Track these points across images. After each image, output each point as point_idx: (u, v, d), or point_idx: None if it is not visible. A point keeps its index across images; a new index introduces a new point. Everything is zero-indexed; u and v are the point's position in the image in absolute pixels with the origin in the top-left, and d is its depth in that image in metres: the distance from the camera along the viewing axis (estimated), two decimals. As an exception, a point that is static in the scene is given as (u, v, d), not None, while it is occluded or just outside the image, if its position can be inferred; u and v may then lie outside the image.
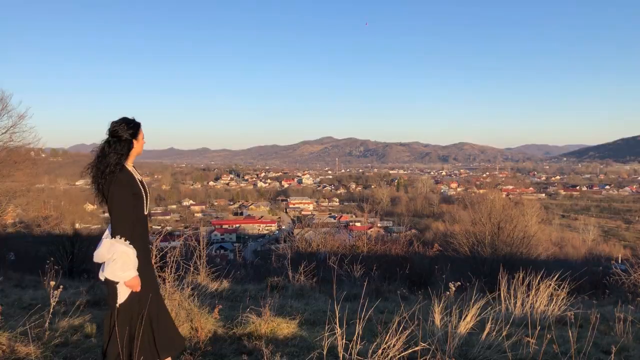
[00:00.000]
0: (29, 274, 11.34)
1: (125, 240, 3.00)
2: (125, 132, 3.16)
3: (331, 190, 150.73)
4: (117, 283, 3.02)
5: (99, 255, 3.08)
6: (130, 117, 3.24)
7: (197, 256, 7.24)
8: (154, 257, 4.86)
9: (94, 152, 3.23)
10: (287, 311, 5.60)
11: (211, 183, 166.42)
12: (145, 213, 3.26)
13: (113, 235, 3.01)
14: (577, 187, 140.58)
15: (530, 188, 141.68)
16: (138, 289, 3.07)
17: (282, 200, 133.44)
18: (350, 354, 3.53)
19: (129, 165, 3.24)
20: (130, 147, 3.19)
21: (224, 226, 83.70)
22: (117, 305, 3.04)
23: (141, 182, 3.29)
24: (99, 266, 3.16)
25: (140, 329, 3.08)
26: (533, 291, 5.92)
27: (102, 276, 3.10)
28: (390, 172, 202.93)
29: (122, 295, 3.05)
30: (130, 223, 3.06)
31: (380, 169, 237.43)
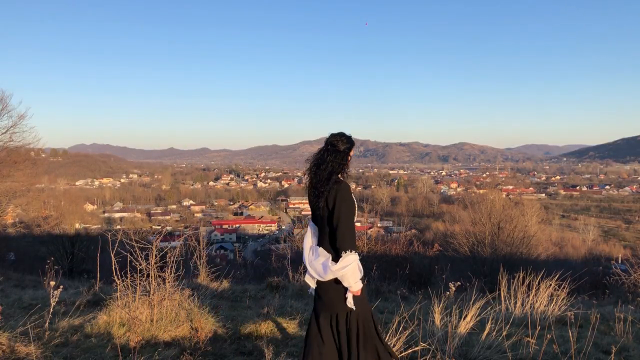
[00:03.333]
0: (29, 274, 11.36)
1: (353, 251, 3.13)
2: (343, 144, 3.32)
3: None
4: (346, 291, 3.16)
5: (320, 268, 3.19)
6: (347, 133, 3.43)
7: (197, 256, 7.25)
8: (153, 257, 4.87)
9: (308, 160, 3.42)
10: (287, 311, 5.60)
11: (211, 183, 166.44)
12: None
13: (343, 248, 3.10)
14: (577, 187, 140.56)
15: (530, 188, 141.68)
16: (359, 293, 3.22)
17: (282, 200, 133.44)
18: (350, 354, 3.53)
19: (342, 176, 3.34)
20: (346, 159, 3.34)
21: (224, 226, 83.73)
22: (352, 309, 3.18)
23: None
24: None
25: (375, 328, 3.28)
26: (533, 291, 5.92)
27: (311, 282, 3.32)
28: (390, 172, 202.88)
29: (350, 303, 3.19)
30: (355, 234, 3.20)
31: (380, 169, 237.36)
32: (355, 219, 3.29)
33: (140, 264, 4.75)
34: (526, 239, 22.51)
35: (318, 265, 3.20)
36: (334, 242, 3.15)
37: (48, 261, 7.59)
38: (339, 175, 3.27)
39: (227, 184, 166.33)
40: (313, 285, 3.34)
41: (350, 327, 3.19)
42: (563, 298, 5.90)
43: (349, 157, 3.37)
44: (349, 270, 3.09)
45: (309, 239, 3.36)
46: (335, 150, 3.30)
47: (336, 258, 3.13)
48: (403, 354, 3.81)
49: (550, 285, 6.00)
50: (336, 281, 3.19)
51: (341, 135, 3.37)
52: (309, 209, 3.51)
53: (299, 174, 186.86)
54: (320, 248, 3.24)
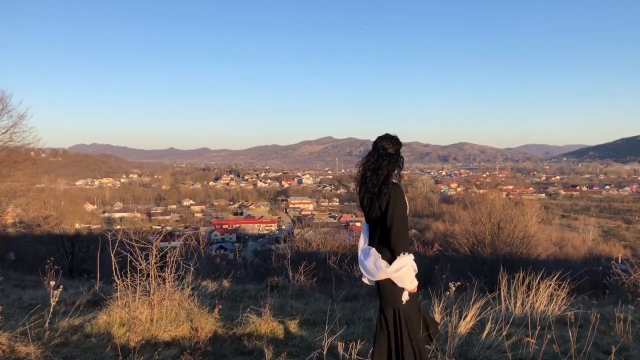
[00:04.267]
0: (29, 274, 11.36)
1: (407, 253, 3.24)
2: (392, 147, 3.39)
3: (331, 190, 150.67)
4: (402, 289, 3.29)
5: (375, 270, 3.30)
6: (392, 134, 3.47)
7: (197, 256, 7.25)
8: (153, 257, 4.87)
9: (358, 165, 3.50)
10: (287, 311, 5.60)
11: (211, 183, 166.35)
12: None
13: (397, 250, 3.21)
14: (577, 187, 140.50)
15: (530, 188, 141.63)
16: (415, 291, 3.39)
17: (282, 200, 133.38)
18: (350, 354, 3.54)
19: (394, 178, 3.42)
20: (398, 162, 3.39)
21: (224, 226, 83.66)
22: (403, 302, 3.32)
23: None
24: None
25: (420, 320, 3.42)
26: (533, 291, 5.91)
27: (367, 281, 3.42)
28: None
29: (405, 297, 3.33)
30: (408, 235, 3.32)
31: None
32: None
33: (140, 264, 4.75)
34: (526, 239, 22.50)
35: (369, 265, 3.31)
36: (388, 243, 3.25)
37: (48, 261, 7.60)
38: (393, 178, 3.35)
39: (227, 184, 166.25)
40: (369, 283, 3.47)
41: (401, 321, 3.29)
42: (563, 298, 5.89)
43: (402, 159, 3.44)
44: (404, 272, 3.21)
45: (362, 240, 3.49)
46: (388, 154, 3.37)
47: (390, 259, 3.23)
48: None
49: (550, 285, 6.00)
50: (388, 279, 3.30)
51: (389, 137, 3.44)
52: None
53: (299, 174, 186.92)
54: (372, 249, 3.35)
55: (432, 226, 63.34)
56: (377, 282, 3.37)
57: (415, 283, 3.29)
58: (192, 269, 5.33)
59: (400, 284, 3.25)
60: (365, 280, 3.47)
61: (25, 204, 24.89)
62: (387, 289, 3.31)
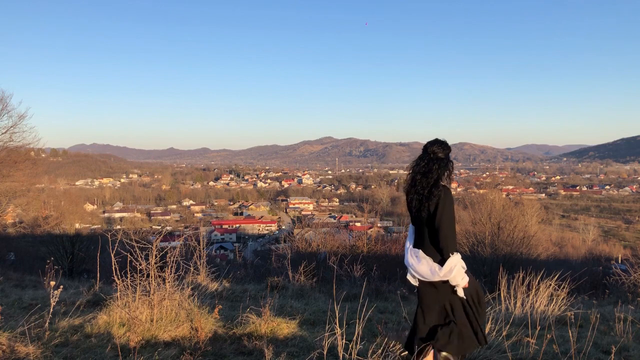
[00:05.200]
0: (29, 274, 11.35)
1: (456, 253, 3.40)
2: (442, 152, 3.53)
3: (331, 190, 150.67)
4: (455, 286, 3.46)
5: (424, 271, 3.46)
6: (441, 139, 3.61)
7: (197, 256, 7.25)
8: (153, 257, 4.87)
9: (408, 168, 3.64)
10: (287, 311, 5.60)
11: (211, 183, 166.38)
12: None
13: (446, 251, 3.36)
14: (577, 187, 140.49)
15: (530, 188, 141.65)
16: (468, 286, 3.53)
17: (282, 200, 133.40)
18: (350, 354, 3.53)
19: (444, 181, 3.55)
20: (448, 165, 3.52)
21: (224, 226, 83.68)
22: (463, 297, 3.49)
23: None
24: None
25: (474, 312, 3.54)
26: (533, 291, 5.91)
27: (413, 281, 3.58)
28: (390, 172, 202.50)
29: (460, 292, 3.47)
30: (456, 236, 3.47)
31: (380, 169, 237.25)
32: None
33: (140, 264, 4.75)
34: (526, 239, 22.49)
35: (423, 269, 3.46)
36: (437, 244, 3.39)
37: (48, 261, 7.59)
38: (442, 182, 3.48)
39: (227, 184, 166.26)
40: (415, 283, 3.61)
41: (454, 312, 3.48)
42: (563, 298, 5.90)
43: (451, 163, 3.58)
44: (455, 272, 3.36)
45: (408, 242, 3.65)
46: (438, 158, 3.50)
47: (440, 260, 3.38)
48: (403, 353, 3.81)
49: (550, 285, 6.00)
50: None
51: (438, 142, 3.56)
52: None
53: (299, 174, 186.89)
54: (420, 251, 3.49)
55: (432, 226, 63.16)
56: (425, 281, 3.52)
57: (467, 279, 3.45)
58: (192, 269, 5.33)
59: (453, 282, 3.39)
60: (411, 279, 3.62)
61: (25, 204, 24.89)
62: (442, 287, 3.47)
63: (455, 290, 3.45)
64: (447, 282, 3.43)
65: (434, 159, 3.50)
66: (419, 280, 3.56)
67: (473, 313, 3.50)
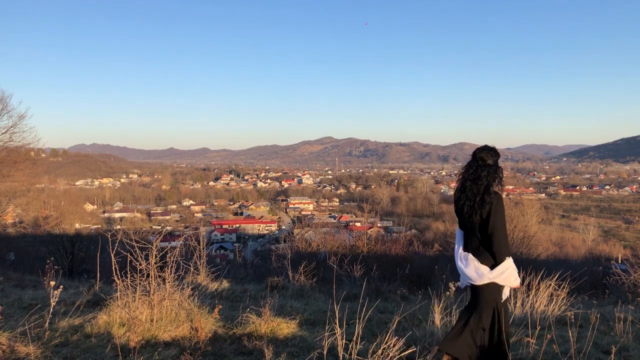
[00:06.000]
0: (29, 274, 11.34)
1: (509, 257, 3.50)
2: (490, 158, 3.63)
3: (331, 190, 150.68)
4: (502, 289, 3.55)
5: (479, 275, 3.53)
6: (490, 145, 3.74)
7: (197, 256, 7.25)
8: (153, 257, 4.87)
9: (458, 174, 3.76)
10: (287, 311, 5.60)
11: (211, 183, 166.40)
12: None
13: (500, 255, 3.46)
14: (577, 187, 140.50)
15: (530, 188, 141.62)
16: (519, 287, 3.72)
17: (282, 200, 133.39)
18: (350, 354, 3.53)
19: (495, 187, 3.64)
20: (497, 172, 3.61)
21: (224, 226, 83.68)
22: (503, 300, 3.57)
23: None
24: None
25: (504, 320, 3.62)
26: (533, 291, 5.92)
27: (479, 282, 3.56)
28: (390, 172, 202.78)
29: (505, 295, 3.58)
30: (508, 240, 3.56)
31: (380, 169, 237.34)
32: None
33: (140, 264, 4.75)
34: (526, 239, 22.51)
35: (470, 272, 3.54)
36: (490, 249, 3.48)
37: (48, 261, 7.59)
38: (494, 187, 3.57)
39: (227, 184, 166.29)
40: (462, 287, 3.79)
41: (499, 318, 3.54)
42: (563, 298, 5.90)
43: (501, 169, 3.66)
44: (507, 274, 3.46)
45: (457, 247, 3.73)
46: (487, 165, 3.60)
47: (492, 264, 3.47)
48: (403, 353, 3.80)
49: (550, 285, 6.00)
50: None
51: (487, 149, 3.67)
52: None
53: (299, 174, 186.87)
54: (470, 255, 3.56)
55: (432, 226, 63.37)
56: (475, 285, 3.58)
57: (519, 280, 3.57)
58: (192, 269, 5.33)
59: (505, 283, 3.49)
60: (463, 282, 3.72)
61: (25, 204, 24.90)
62: (488, 290, 3.52)
63: (500, 294, 3.53)
64: (494, 286, 3.50)
65: (483, 165, 3.58)
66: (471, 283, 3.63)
67: (504, 321, 3.59)
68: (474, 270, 3.50)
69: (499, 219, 3.45)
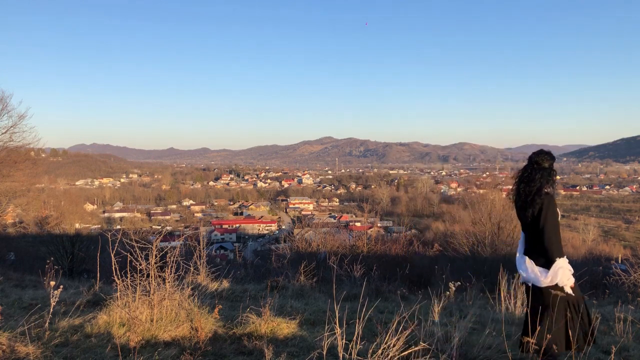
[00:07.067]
0: (29, 274, 11.34)
1: (561, 257, 3.63)
2: (546, 161, 3.78)
3: (331, 190, 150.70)
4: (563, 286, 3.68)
5: (545, 277, 3.67)
6: (546, 150, 3.87)
7: (197, 256, 7.25)
8: (153, 257, 4.86)
9: (514, 178, 3.91)
10: (287, 311, 5.60)
11: (211, 183, 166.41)
12: None
13: (552, 256, 3.60)
14: (577, 187, 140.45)
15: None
16: (573, 286, 3.77)
17: (282, 200, 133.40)
18: (350, 354, 3.53)
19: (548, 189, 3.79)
20: (551, 174, 3.77)
21: (224, 226, 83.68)
22: (570, 293, 3.70)
23: None
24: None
25: (579, 311, 3.75)
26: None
27: (544, 283, 3.69)
28: (390, 172, 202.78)
29: (569, 289, 3.70)
30: (560, 241, 3.70)
31: (380, 169, 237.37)
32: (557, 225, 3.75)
33: (140, 264, 4.75)
34: (526, 239, 22.46)
35: (532, 275, 3.71)
36: (542, 248, 3.64)
37: (48, 261, 7.60)
38: (546, 189, 3.73)
39: (227, 184, 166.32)
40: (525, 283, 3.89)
41: (557, 308, 3.66)
42: (563, 298, 5.89)
43: (555, 172, 3.82)
44: (560, 275, 3.60)
45: (520, 247, 3.91)
46: (542, 168, 3.75)
47: (545, 264, 3.63)
48: (403, 353, 3.80)
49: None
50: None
51: (543, 153, 3.82)
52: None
53: (299, 174, 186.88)
54: (527, 258, 3.75)
55: (432, 226, 63.32)
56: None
57: (572, 280, 3.68)
58: (192, 269, 5.32)
59: (560, 284, 3.62)
60: (542, 283, 3.78)
61: (25, 204, 24.90)
62: (547, 290, 3.69)
63: (562, 289, 3.65)
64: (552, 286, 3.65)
65: (537, 168, 3.75)
66: (535, 285, 3.75)
67: (571, 317, 3.70)
68: (531, 272, 3.68)
69: (550, 219, 3.61)
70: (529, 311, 3.84)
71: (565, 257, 3.64)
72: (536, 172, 3.73)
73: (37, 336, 4.27)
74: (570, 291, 3.68)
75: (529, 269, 3.71)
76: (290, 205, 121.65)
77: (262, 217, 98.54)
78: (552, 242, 3.58)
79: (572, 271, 3.70)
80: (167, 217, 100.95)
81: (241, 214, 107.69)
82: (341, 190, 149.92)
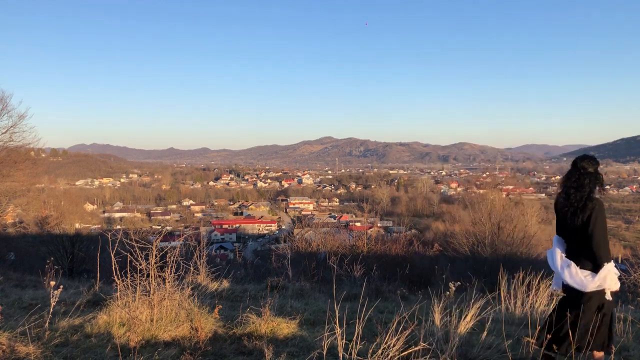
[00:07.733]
0: (29, 274, 11.35)
1: (609, 262, 3.66)
2: (591, 166, 3.81)
3: (331, 190, 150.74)
4: (604, 290, 3.71)
5: (593, 281, 3.67)
6: (590, 154, 3.92)
7: (197, 256, 7.25)
8: (153, 257, 4.87)
9: (560, 183, 3.95)
10: (287, 311, 5.60)
11: (211, 183, 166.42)
12: None
13: (601, 260, 3.62)
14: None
15: (530, 188, 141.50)
16: (618, 291, 3.81)
17: (282, 200, 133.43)
18: (350, 354, 3.53)
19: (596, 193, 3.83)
20: (598, 179, 3.79)
21: (224, 226, 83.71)
22: (609, 299, 3.73)
23: None
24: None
25: (610, 317, 3.79)
26: (533, 291, 5.92)
27: (590, 288, 3.69)
28: (390, 172, 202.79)
29: (608, 296, 3.73)
30: (608, 245, 3.73)
31: (380, 169, 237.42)
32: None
33: (140, 264, 4.75)
34: (526, 239, 22.48)
35: (578, 280, 3.71)
36: (590, 253, 3.66)
37: (48, 261, 7.60)
38: (595, 194, 3.76)
39: (227, 184, 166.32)
40: (561, 293, 3.94)
41: (598, 314, 3.68)
42: (563, 298, 5.89)
43: (601, 176, 3.84)
44: (609, 278, 3.63)
45: (558, 253, 3.90)
46: (588, 173, 3.78)
47: (593, 268, 3.65)
48: (403, 353, 3.80)
49: (550, 284, 5.99)
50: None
51: (588, 158, 3.86)
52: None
53: (299, 174, 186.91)
54: (573, 263, 3.74)
55: (432, 226, 63.31)
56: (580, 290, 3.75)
57: (618, 285, 3.70)
58: (192, 269, 5.32)
59: (605, 286, 3.64)
60: (557, 290, 3.95)
61: (25, 204, 24.89)
62: (590, 295, 3.70)
63: (604, 294, 3.68)
64: (597, 291, 3.66)
65: (584, 173, 3.76)
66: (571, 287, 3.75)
67: (610, 319, 3.75)
68: (577, 277, 3.69)
69: (599, 224, 3.63)
70: (557, 314, 3.85)
71: (612, 261, 3.67)
72: (584, 177, 3.76)
73: (37, 336, 4.27)
74: (610, 297, 3.70)
75: (574, 273, 3.71)
76: (290, 205, 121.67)
77: (262, 217, 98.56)
78: (600, 247, 3.61)
79: (618, 274, 3.73)
80: (167, 217, 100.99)
81: (241, 214, 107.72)
82: (341, 190, 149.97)
